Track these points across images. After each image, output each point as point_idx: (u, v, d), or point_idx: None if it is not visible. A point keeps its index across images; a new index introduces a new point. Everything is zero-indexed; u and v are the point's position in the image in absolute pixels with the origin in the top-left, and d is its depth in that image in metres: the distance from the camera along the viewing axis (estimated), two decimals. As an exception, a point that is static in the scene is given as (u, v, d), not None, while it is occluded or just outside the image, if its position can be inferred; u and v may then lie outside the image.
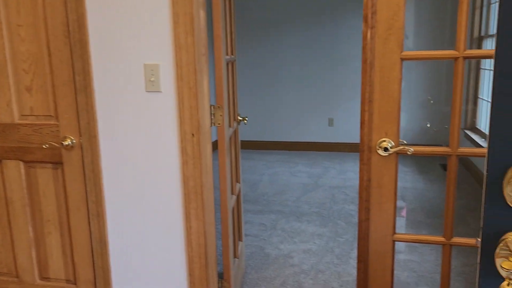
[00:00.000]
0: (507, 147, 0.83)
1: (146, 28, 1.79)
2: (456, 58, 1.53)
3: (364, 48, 1.64)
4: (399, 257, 2.86)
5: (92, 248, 2.02)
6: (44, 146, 1.94)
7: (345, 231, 3.34)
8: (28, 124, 1.97)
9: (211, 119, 1.95)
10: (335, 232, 3.32)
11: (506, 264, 0.84)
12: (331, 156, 5.61)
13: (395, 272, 2.53)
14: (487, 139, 0.85)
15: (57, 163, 1.98)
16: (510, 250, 0.85)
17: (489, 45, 4.20)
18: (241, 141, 6.10)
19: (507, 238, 0.85)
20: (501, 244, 0.86)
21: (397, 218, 1.75)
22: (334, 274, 2.71)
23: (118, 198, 1.96)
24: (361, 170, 1.76)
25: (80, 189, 1.97)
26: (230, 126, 2.27)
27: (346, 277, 2.67)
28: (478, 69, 4.48)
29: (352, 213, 3.68)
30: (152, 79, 1.82)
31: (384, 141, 1.68)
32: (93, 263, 2.03)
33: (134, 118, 1.88)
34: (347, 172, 4.89)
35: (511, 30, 0.77)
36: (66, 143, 1.91)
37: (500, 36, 0.78)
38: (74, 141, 1.92)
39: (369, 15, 1.60)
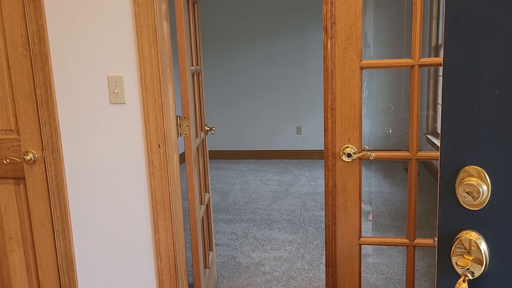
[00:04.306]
0: (458, 150, 0.88)
1: (109, 40, 1.78)
2: (412, 66, 1.60)
3: (325, 57, 1.69)
4: (367, 260, 2.92)
5: (58, 265, 1.96)
6: (5, 161, 1.88)
7: (315, 237, 3.38)
8: (-13, 139, 1.91)
9: (178, 129, 1.95)
10: (305, 239, 3.36)
11: (461, 262, 0.88)
12: (301, 164, 5.67)
13: (363, 275, 2.59)
14: (440, 141, 0.89)
15: (19, 179, 1.93)
16: (465, 248, 0.89)
17: (447, 53, 4.38)
18: (212, 151, 6.09)
19: (461, 236, 0.89)
20: (456, 243, 0.90)
21: (364, 222, 1.80)
22: (305, 280, 2.74)
23: (84, 213, 1.92)
24: (326, 176, 1.80)
25: (44, 205, 1.92)
26: (197, 136, 2.27)
27: (317, 282, 2.71)
28: (437, 76, 4.67)
29: (322, 219, 3.73)
30: (116, 91, 1.81)
31: (348, 147, 1.73)
32: (60, 281, 1.98)
33: (98, 131, 1.85)
34: (316, 179, 4.96)
35: (455, 39, 0.82)
36: (28, 157, 1.86)
37: (447, 45, 0.83)
38: (36, 155, 1.88)
39: (329, 26, 1.65)
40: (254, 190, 4.65)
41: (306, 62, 5.69)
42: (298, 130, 5.92)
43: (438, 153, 1.91)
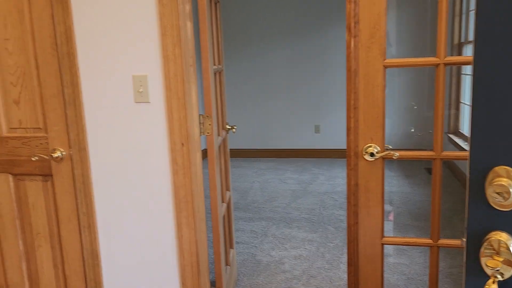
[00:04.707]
0: (488, 150, 0.87)
1: (134, 40, 1.81)
2: (437, 65, 1.58)
3: (348, 56, 1.68)
4: (388, 260, 2.90)
5: (83, 260, 2.01)
6: (33, 159, 1.94)
7: (334, 236, 3.37)
8: (17, 137, 1.97)
9: (200, 128, 1.97)
10: (325, 238, 3.35)
11: (490, 263, 0.87)
12: (319, 163, 5.66)
13: (385, 275, 2.57)
14: (469, 142, 0.89)
15: (47, 176, 1.98)
16: (494, 249, 0.88)
17: (469, 51, 4.31)
18: (231, 149, 6.14)
19: (490, 237, 0.88)
20: (485, 243, 0.89)
21: (385, 222, 1.79)
22: (325, 279, 2.74)
23: (109, 209, 1.97)
24: (348, 175, 1.80)
25: (70, 201, 1.97)
26: (218, 135, 2.29)
27: (338, 282, 2.70)
28: (459, 74, 4.59)
29: (341, 218, 3.72)
30: (140, 90, 1.84)
31: (370, 146, 1.73)
32: (85, 276, 2.02)
33: (123, 129, 1.89)
34: (335, 178, 4.94)
35: (488, 38, 0.81)
36: (55, 155, 1.91)
37: (478, 44, 0.83)
38: (63, 153, 1.92)
39: (352, 25, 1.65)
40: (273, 188, 4.66)
41: (325, 61, 5.67)
42: (316, 129, 5.90)
43: (463, 153, 1.88)
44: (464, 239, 0.95)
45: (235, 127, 2.53)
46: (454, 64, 1.58)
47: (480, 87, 0.85)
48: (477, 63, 0.84)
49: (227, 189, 2.59)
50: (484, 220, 0.91)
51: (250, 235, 3.45)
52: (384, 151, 1.72)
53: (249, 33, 5.83)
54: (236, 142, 6.03)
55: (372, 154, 1.72)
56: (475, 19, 0.83)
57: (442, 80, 1.59)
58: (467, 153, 0.91)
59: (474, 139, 0.88)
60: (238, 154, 6.02)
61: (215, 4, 2.31)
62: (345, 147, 1.79)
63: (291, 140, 5.98)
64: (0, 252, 2.11)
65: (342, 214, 3.81)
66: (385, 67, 1.65)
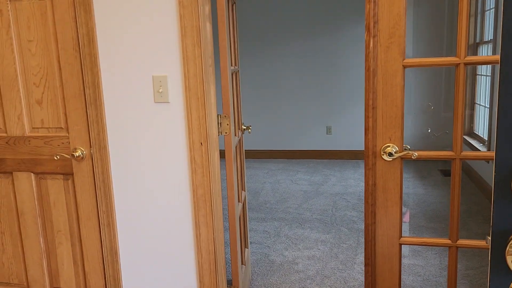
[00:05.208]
0: (513, 149, 0.87)
1: (154, 41, 1.84)
2: (457, 65, 1.58)
3: (367, 56, 1.69)
4: (403, 261, 2.89)
5: (103, 257, 2.04)
6: (55, 158, 1.97)
7: (347, 237, 3.37)
8: (39, 136, 2.01)
9: (218, 128, 1.99)
10: (338, 238, 3.35)
11: (516, 261, 0.87)
12: (330, 164, 5.65)
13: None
14: (495, 141, 0.89)
15: (68, 174, 2.02)
16: (519, 248, 0.88)
17: (485, 51, 4.28)
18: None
19: (516, 235, 0.89)
20: (511, 242, 0.89)
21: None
22: (339, 280, 2.74)
23: (129, 207, 2.00)
24: (366, 175, 1.80)
25: (90, 200, 2.00)
26: (235, 135, 2.31)
27: (352, 282, 2.70)
28: (474, 75, 4.56)
29: (354, 219, 3.72)
30: (160, 90, 1.87)
31: (389, 146, 1.73)
32: (104, 273, 2.06)
33: (143, 129, 1.92)
34: (347, 179, 4.93)
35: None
36: (76, 154, 1.94)
37: (505, 43, 0.83)
38: (84, 152, 1.96)
39: (371, 24, 1.66)
40: (285, 189, 4.67)
41: (337, 62, 5.66)
42: (328, 130, 5.89)
43: (483, 153, 1.87)
44: (489, 238, 0.95)
45: (250, 127, 2.55)
46: (474, 63, 1.58)
47: (507, 85, 0.85)
48: (505, 61, 0.85)
49: (243, 189, 2.61)
50: (510, 218, 0.91)
51: (263, 235, 3.46)
52: (402, 151, 1.72)
53: (261, 33, 5.85)
54: (248, 142, 6.05)
55: (390, 154, 1.72)
56: (503, 16, 0.83)
57: (462, 80, 1.59)
58: (486, 153, 0.91)
59: (500, 138, 0.89)
60: (250, 154, 6.04)
61: (232, 5, 2.33)
62: (356, 149, 1.80)
63: (303, 141, 5.98)
64: (21, 249, 2.15)
65: (354, 215, 3.81)
66: (404, 67, 1.65)
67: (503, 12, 0.83)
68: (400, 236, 1.82)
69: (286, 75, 5.88)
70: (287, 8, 5.71)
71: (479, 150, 4.16)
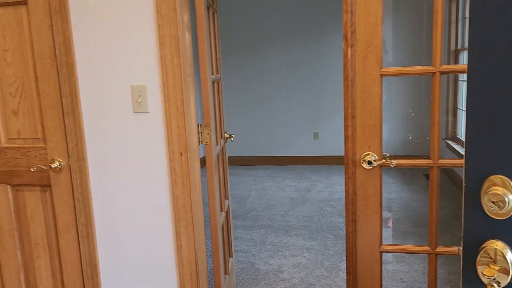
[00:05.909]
0: (483, 159, 0.88)
1: (132, 50, 1.83)
2: (433, 74, 1.59)
3: (345, 65, 1.70)
4: (387, 267, 2.90)
5: (82, 270, 2.01)
6: (32, 169, 1.94)
7: (333, 244, 3.37)
8: (16, 147, 1.97)
9: (199, 137, 1.98)
10: (324, 245, 3.35)
11: (487, 271, 0.87)
12: (317, 170, 5.66)
13: (384, 282, 2.56)
14: (464, 151, 0.90)
15: (45, 186, 1.98)
16: (490, 258, 0.88)
17: (466, 58, 4.34)
18: (229, 157, 6.12)
19: (487, 246, 0.89)
20: (481, 252, 0.90)
21: (384, 228, 1.80)
22: (324, 287, 2.73)
23: (108, 219, 1.97)
24: (346, 184, 1.80)
25: (69, 211, 1.97)
26: (217, 143, 2.30)
27: (337, 290, 2.70)
28: (456, 81, 4.62)
29: (340, 225, 3.72)
30: (139, 100, 1.85)
31: (368, 154, 1.73)
32: (84, 286, 2.02)
33: (122, 139, 1.90)
34: (334, 185, 4.94)
35: (482, 47, 0.82)
36: (54, 165, 1.91)
37: (472, 53, 0.84)
38: (62, 163, 1.93)
39: (349, 34, 1.67)
40: (271, 196, 4.66)
41: (322, 69, 5.70)
42: (315, 136, 5.91)
43: (460, 161, 1.89)
44: (461, 248, 0.95)
45: (233, 135, 2.54)
46: (450, 72, 1.60)
47: (474, 96, 0.86)
48: (471, 72, 0.85)
49: (226, 198, 2.59)
50: (480, 228, 0.91)
51: (248, 244, 3.45)
52: (381, 159, 1.73)
53: (245, 40, 5.86)
54: (234, 149, 6.04)
55: (369, 162, 1.73)
56: (469, 29, 0.84)
57: (438, 88, 1.61)
58: (463, 161, 0.91)
59: (469, 148, 0.89)
60: (236, 161, 6.02)
61: (213, 14, 2.33)
62: (343, 154, 1.80)
63: (289, 148, 5.99)
64: (-2, 263, 2.10)
65: (340, 221, 3.81)
66: (382, 76, 1.66)
67: (469, 25, 0.84)
68: (381, 244, 1.82)
69: (273, 81, 5.90)
70: (271, 16, 5.74)
71: (462, 154, 4.20)
